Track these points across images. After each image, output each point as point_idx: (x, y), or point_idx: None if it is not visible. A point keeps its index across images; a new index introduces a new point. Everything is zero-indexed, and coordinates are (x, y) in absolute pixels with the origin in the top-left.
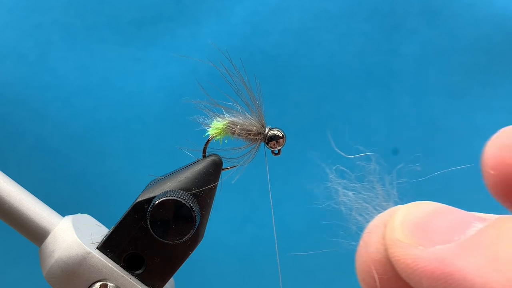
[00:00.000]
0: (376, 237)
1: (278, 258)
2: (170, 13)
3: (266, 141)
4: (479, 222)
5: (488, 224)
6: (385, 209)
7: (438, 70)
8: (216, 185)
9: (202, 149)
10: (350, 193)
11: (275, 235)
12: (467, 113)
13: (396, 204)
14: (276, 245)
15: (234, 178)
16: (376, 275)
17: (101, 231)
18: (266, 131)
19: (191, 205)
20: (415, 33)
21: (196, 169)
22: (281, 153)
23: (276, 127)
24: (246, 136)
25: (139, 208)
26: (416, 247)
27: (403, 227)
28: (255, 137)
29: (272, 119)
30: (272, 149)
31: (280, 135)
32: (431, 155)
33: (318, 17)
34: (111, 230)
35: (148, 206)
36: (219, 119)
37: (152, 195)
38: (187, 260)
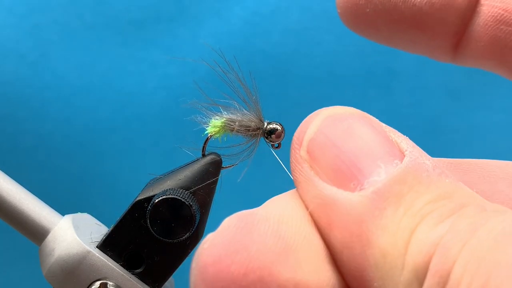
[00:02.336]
0: None
1: None
2: (170, 13)
3: (266, 135)
4: (384, 165)
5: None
6: None
7: (438, 70)
8: (216, 183)
9: (201, 147)
10: None
11: None
12: (467, 113)
13: None
14: None
15: (238, 176)
16: None
17: (100, 230)
18: (265, 126)
19: (191, 203)
20: None
21: (196, 167)
22: (281, 146)
23: (274, 121)
24: (245, 132)
25: (139, 207)
26: (316, 176)
27: (310, 144)
28: (254, 132)
29: (272, 119)
30: (272, 143)
31: (279, 128)
32: (431, 155)
33: (318, 17)
34: (110, 229)
35: (148, 205)
36: (217, 117)
37: (151, 193)
38: (187, 258)
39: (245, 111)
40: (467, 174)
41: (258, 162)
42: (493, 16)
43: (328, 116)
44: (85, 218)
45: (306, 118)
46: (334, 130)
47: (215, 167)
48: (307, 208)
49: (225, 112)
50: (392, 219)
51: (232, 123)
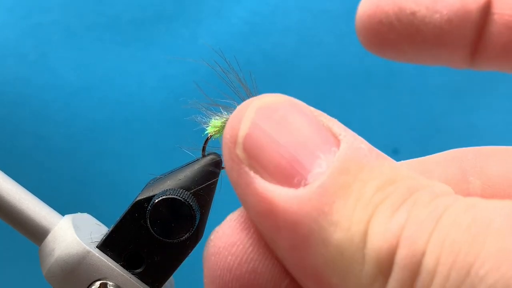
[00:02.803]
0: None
1: None
2: (170, 13)
3: None
4: (323, 155)
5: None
6: None
7: (438, 70)
8: (216, 184)
9: (201, 147)
10: None
11: None
12: (467, 113)
13: None
14: None
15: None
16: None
17: (100, 230)
18: None
19: (191, 203)
20: None
21: (196, 167)
22: None
23: None
24: None
25: (139, 207)
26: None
27: (245, 140)
28: None
29: None
30: None
31: None
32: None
33: (318, 17)
34: (110, 229)
35: (148, 205)
36: (217, 117)
37: (151, 193)
38: (187, 258)
39: None
40: (505, 164)
41: None
42: (504, 24)
43: (259, 107)
44: (85, 218)
45: (235, 111)
46: (269, 122)
47: (215, 167)
48: (248, 214)
49: (225, 112)
50: (344, 213)
51: None
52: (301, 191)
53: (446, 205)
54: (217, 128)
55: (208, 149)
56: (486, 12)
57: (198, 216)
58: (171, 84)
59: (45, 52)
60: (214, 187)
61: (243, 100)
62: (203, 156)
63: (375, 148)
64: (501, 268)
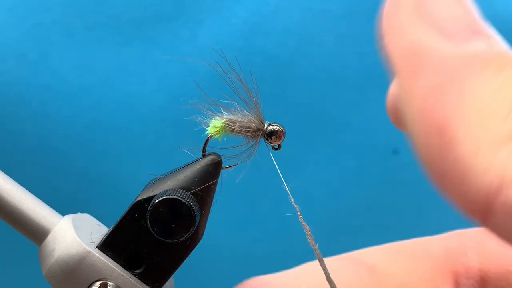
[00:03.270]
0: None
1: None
2: (170, 13)
3: (266, 136)
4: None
5: None
6: None
7: None
8: (216, 184)
9: (201, 148)
10: None
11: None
12: None
13: None
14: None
15: (237, 177)
16: None
17: (101, 230)
18: (265, 127)
19: (191, 203)
20: None
21: (196, 168)
22: (281, 147)
23: (274, 122)
24: (245, 133)
25: (139, 207)
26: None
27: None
28: (255, 133)
29: (272, 119)
30: (272, 144)
31: (279, 129)
32: None
33: (318, 17)
34: (111, 229)
35: (148, 205)
36: (217, 117)
37: (151, 194)
38: (187, 259)
39: (246, 112)
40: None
41: (258, 162)
42: None
43: None
44: (85, 218)
45: None
46: None
47: (215, 167)
48: (392, 56)
49: (226, 113)
50: (491, 82)
51: (232, 124)
52: (460, 47)
53: None
54: (218, 129)
55: (208, 149)
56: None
57: (198, 217)
58: (171, 84)
59: (45, 52)
60: (214, 188)
61: (243, 101)
62: (203, 156)
63: None
64: None
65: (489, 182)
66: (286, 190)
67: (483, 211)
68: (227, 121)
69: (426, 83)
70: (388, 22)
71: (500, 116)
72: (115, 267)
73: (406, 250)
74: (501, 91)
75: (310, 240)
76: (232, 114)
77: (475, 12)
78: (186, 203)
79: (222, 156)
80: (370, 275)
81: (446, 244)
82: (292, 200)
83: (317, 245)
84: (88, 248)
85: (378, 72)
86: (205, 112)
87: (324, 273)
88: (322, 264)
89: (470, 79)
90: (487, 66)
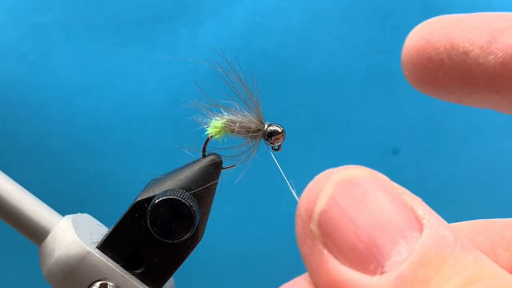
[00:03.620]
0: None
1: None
2: (170, 13)
3: (266, 137)
4: (404, 241)
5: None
6: None
7: None
8: (216, 184)
9: (201, 148)
10: None
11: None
12: (467, 113)
13: None
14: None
15: (237, 177)
16: None
17: (101, 231)
18: (265, 128)
19: (191, 204)
20: None
21: (196, 168)
22: (281, 148)
23: (275, 123)
24: (246, 134)
25: (139, 208)
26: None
27: (321, 216)
28: (255, 134)
29: (272, 119)
30: (272, 145)
31: (279, 130)
32: (431, 155)
33: (318, 17)
34: (111, 230)
35: (148, 205)
36: (217, 117)
37: (152, 194)
38: (187, 259)
39: (246, 112)
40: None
41: (258, 163)
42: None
43: (339, 181)
44: (85, 219)
45: (313, 182)
46: (349, 200)
47: (216, 168)
48: None
49: (226, 113)
50: None
51: (232, 124)
52: (376, 280)
53: None
54: (218, 129)
55: (208, 149)
56: None
57: (198, 217)
58: (171, 84)
59: (45, 52)
60: (215, 188)
61: (244, 101)
62: (204, 156)
63: (460, 236)
64: None
65: None
66: (289, 188)
67: None
68: (227, 121)
69: None
70: (304, 252)
71: None
72: (115, 267)
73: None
74: None
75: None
76: (232, 114)
77: (391, 213)
78: (186, 203)
79: (222, 157)
80: None
81: (474, 239)
82: (296, 196)
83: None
84: (88, 248)
85: (378, 72)
86: (205, 112)
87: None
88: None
89: None
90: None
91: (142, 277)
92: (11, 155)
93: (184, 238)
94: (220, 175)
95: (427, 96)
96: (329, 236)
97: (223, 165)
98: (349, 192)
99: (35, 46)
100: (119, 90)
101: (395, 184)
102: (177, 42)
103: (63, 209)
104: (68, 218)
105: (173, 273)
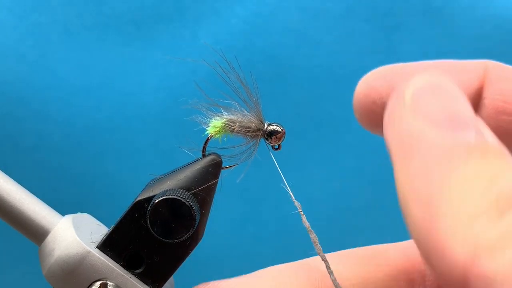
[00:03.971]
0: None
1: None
2: (170, 13)
3: (266, 136)
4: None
5: None
6: None
7: None
8: (216, 184)
9: (201, 148)
10: None
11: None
12: None
13: None
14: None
15: (238, 177)
16: None
17: (101, 230)
18: (265, 127)
19: (191, 203)
20: (415, 33)
21: (196, 168)
22: (281, 148)
23: (274, 122)
24: (246, 133)
25: (139, 207)
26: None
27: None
28: (255, 133)
29: (272, 119)
30: (272, 145)
31: (279, 129)
32: None
33: (318, 17)
34: (111, 229)
35: (148, 205)
36: (217, 117)
37: (151, 194)
38: (187, 259)
39: (246, 112)
40: None
41: (258, 162)
42: (494, 108)
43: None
44: (85, 218)
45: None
46: (436, 88)
47: (215, 167)
48: (389, 142)
49: (226, 113)
50: (471, 168)
51: (232, 124)
52: (449, 135)
53: None
54: (218, 128)
55: (208, 149)
56: (477, 96)
57: (198, 216)
58: (171, 84)
59: (45, 52)
60: (215, 188)
61: (243, 101)
62: (204, 156)
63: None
64: None
65: (464, 255)
66: (287, 190)
67: (461, 283)
68: (227, 121)
69: (416, 164)
70: (388, 115)
71: (476, 196)
72: (115, 267)
73: (365, 257)
74: (478, 177)
75: (311, 236)
76: (232, 114)
77: (465, 106)
78: (186, 203)
79: (222, 156)
80: (324, 282)
81: (405, 251)
82: (293, 198)
83: (317, 240)
84: (88, 248)
85: None
86: (205, 112)
87: (327, 269)
88: (323, 256)
89: (453, 164)
90: (470, 155)
91: (142, 277)
92: (11, 155)
93: (184, 238)
94: (220, 175)
95: None
96: (417, 104)
97: (223, 165)
98: (435, 85)
99: (35, 46)
100: (119, 90)
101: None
102: (177, 42)
103: (63, 209)
104: (68, 218)
105: (173, 273)
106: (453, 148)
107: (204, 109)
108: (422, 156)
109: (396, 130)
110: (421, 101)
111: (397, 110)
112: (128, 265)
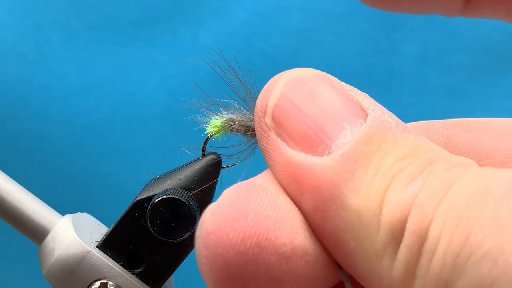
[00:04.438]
0: None
1: None
2: (170, 13)
3: None
4: (349, 126)
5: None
6: None
7: (438, 70)
8: (216, 183)
9: (201, 147)
10: None
11: None
12: (467, 113)
13: None
14: None
15: (238, 177)
16: None
17: (100, 230)
18: None
19: (191, 203)
20: (415, 33)
21: (196, 167)
22: None
23: None
24: (245, 132)
25: (139, 207)
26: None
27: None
28: (254, 132)
29: None
30: None
31: None
32: None
33: (318, 17)
34: (110, 229)
35: (148, 205)
36: (217, 117)
37: (151, 193)
38: (187, 259)
39: (245, 111)
40: (471, 133)
41: (258, 162)
42: None
43: (289, 79)
44: (85, 218)
45: (267, 83)
46: (298, 94)
47: (215, 167)
48: (276, 178)
49: (225, 112)
50: (364, 180)
51: (232, 123)
52: (324, 159)
53: (459, 175)
54: (217, 128)
55: (208, 149)
56: None
57: (198, 216)
58: (171, 84)
59: (45, 52)
60: (214, 187)
61: (243, 100)
62: (203, 155)
63: (402, 122)
64: (497, 234)
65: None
66: None
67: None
68: (226, 120)
69: (311, 201)
70: (261, 145)
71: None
72: (115, 267)
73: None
74: (372, 191)
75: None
76: (232, 113)
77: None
78: (186, 202)
79: (222, 156)
80: None
81: None
82: None
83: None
84: (88, 248)
85: (378, 72)
86: (204, 112)
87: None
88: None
89: (344, 193)
90: (353, 169)
91: (142, 276)
92: (11, 155)
93: (184, 237)
94: (220, 174)
95: (427, 96)
96: (281, 126)
97: (223, 164)
98: (298, 88)
99: (35, 46)
100: (119, 90)
101: (343, 83)
102: (177, 42)
103: (63, 209)
104: (68, 217)
105: (173, 273)
106: (335, 172)
107: (204, 108)
108: (311, 192)
109: (274, 164)
110: (282, 119)
111: (264, 136)
112: (128, 265)
